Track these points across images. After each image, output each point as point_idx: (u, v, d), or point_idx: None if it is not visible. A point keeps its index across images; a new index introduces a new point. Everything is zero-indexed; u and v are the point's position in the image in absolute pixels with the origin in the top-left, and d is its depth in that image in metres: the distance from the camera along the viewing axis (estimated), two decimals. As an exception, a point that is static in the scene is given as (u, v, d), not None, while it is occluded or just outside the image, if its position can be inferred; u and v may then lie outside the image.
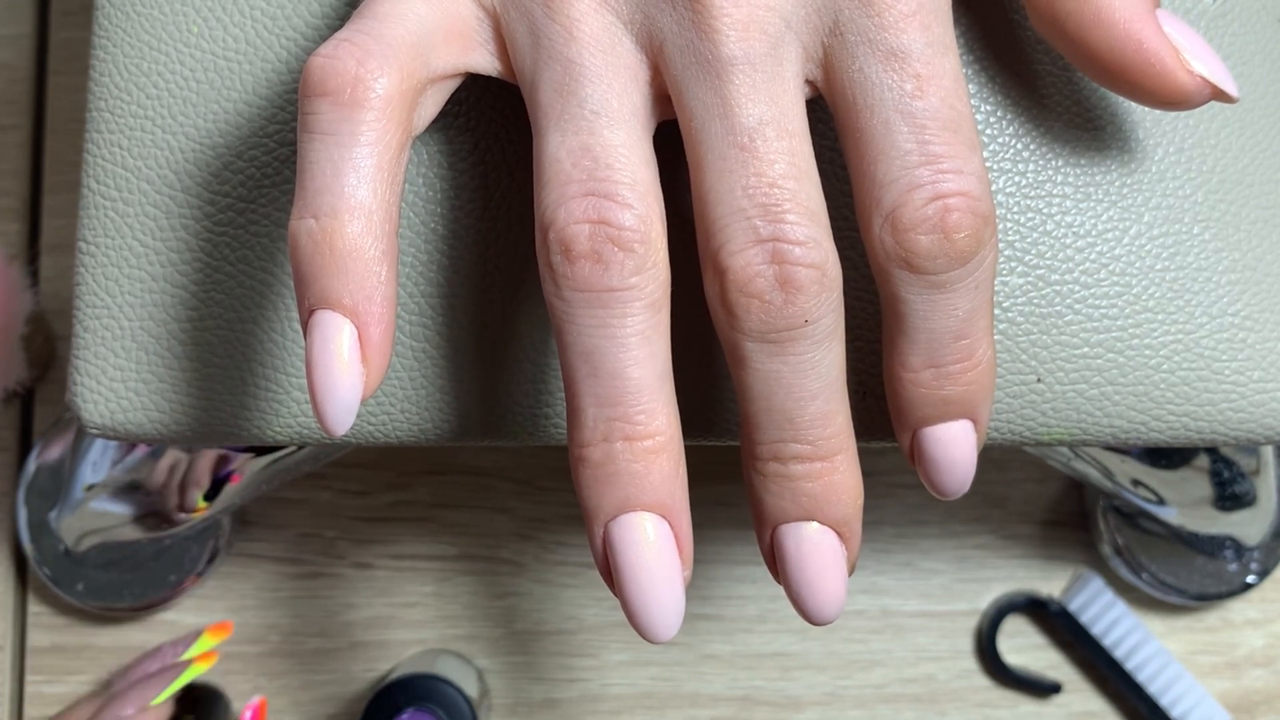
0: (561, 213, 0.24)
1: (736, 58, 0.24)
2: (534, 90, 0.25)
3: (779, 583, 0.26)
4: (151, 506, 0.45)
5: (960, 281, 0.25)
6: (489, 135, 0.29)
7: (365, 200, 0.24)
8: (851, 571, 0.26)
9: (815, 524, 0.25)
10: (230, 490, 0.45)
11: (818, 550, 0.25)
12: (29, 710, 0.49)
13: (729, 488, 0.51)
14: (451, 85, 0.26)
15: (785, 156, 0.24)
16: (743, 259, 0.24)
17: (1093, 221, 0.29)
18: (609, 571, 0.25)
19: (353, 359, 0.24)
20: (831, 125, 0.28)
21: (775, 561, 0.26)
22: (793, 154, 0.24)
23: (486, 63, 0.26)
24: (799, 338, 0.24)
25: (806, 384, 0.24)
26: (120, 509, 0.46)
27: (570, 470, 0.25)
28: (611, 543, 0.24)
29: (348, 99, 0.24)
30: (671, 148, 0.26)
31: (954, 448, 0.26)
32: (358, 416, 0.30)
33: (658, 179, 0.25)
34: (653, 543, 0.24)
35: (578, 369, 0.24)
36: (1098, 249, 0.29)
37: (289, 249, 0.24)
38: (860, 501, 0.25)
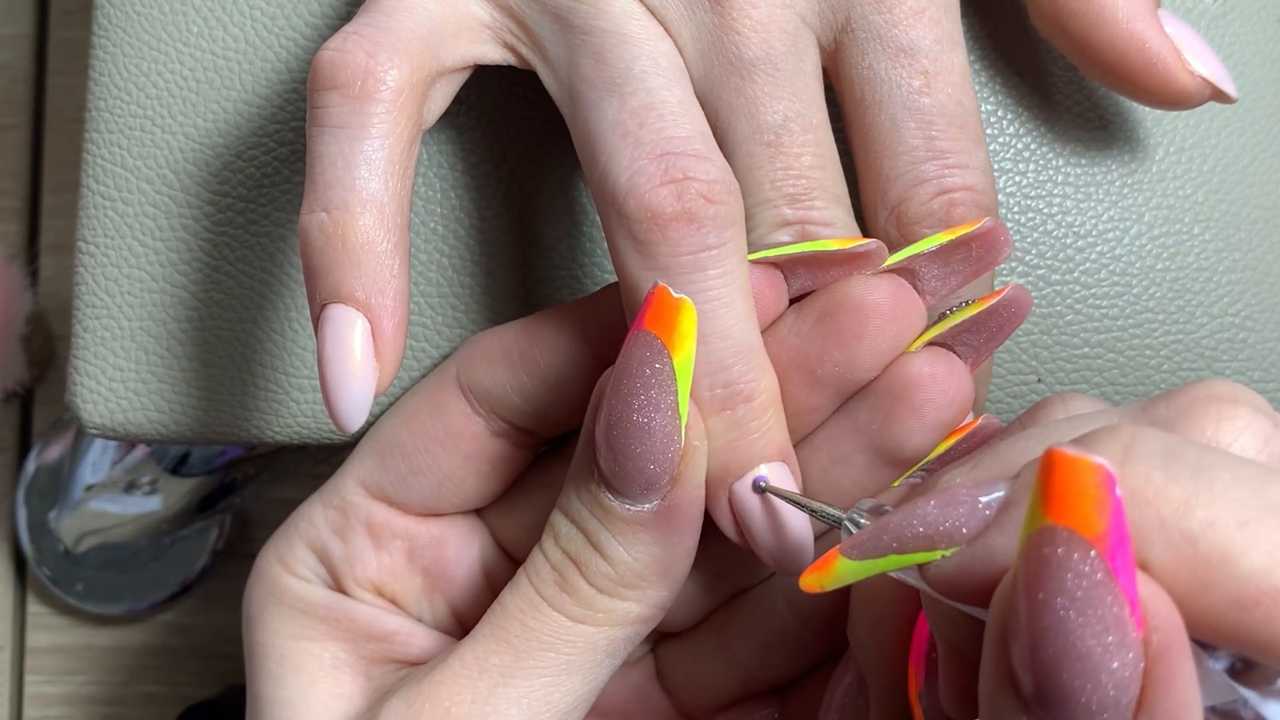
0: (641, 179, 0.23)
1: (759, 58, 0.24)
2: (573, 68, 0.24)
3: None
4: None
5: None
6: (489, 134, 0.29)
7: (377, 193, 0.23)
8: None
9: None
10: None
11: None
12: (29, 710, 0.49)
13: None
14: (461, 78, 0.26)
15: (811, 149, 0.24)
16: (772, 240, 0.24)
17: (1093, 221, 0.29)
18: (739, 529, 0.24)
19: (365, 354, 0.23)
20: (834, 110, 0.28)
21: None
22: (817, 145, 0.25)
23: (496, 53, 0.26)
24: None
25: None
26: (120, 509, 0.46)
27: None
28: (741, 502, 0.24)
29: (358, 92, 0.23)
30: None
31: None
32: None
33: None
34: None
35: None
36: (1098, 249, 0.29)
37: (299, 243, 0.24)
38: None
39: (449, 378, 0.27)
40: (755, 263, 0.24)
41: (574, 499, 0.24)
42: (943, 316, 0.24)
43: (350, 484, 0.28)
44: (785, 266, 0.24)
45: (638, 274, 0.23)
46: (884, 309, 0.24)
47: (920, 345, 0.24)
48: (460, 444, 0.27)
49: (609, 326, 0.25)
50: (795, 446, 0.25)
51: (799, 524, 0.24)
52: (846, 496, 0.25)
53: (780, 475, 0.24)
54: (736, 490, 0.24)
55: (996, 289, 0.24)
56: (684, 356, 0.22)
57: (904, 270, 0.24)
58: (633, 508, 0.23)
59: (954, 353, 0.24)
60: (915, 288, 0.24)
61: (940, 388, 0.24)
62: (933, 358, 0.24)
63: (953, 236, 0.24)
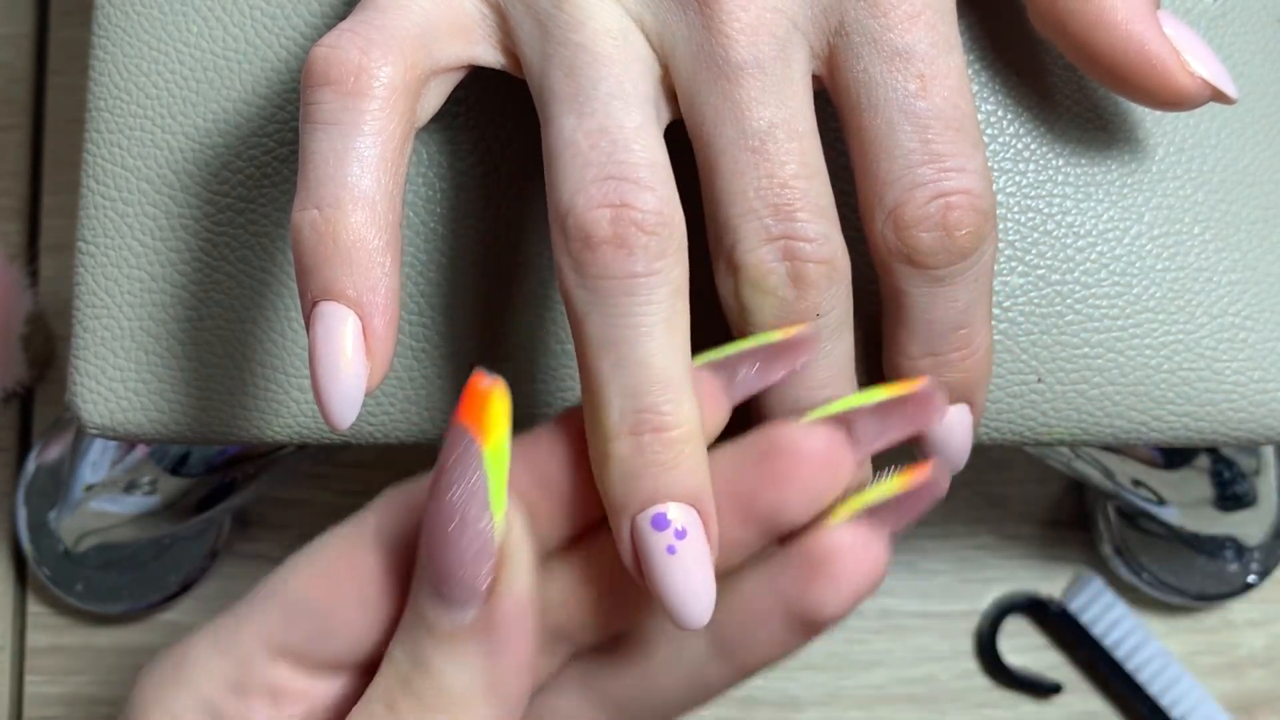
0: (581, 199, 0.23)
1: (746, 62, 0.24)
2: (543, 77, 0.24)
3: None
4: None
5: (961, 275, 0.25)
6: (489, 134, 0.29)
7: (369, 190, 0.23)
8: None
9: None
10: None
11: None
12: (29, 710, 0.49)
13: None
14: (455, 78, 0.26)
15: (795, 157, 0.24)
16: (755, 256, 0.24)
17: (1093, 221, 0.29)
18: (638, 565, 0.24)
19: (356, 351, 0.23)
20: (832, 113, 0.28)
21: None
22: (803, 154, 0.24)
23: (490, 55, 0.26)
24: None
25: (818, 374, 0.25)
26: (120, 509, 0.46)
27: (593, 466, 0.24)
28: (640, 537, 0.24)
29: (351, 88, 0.23)
30: (672, 151, 0.26)
31: (951, 430, 0.27)
32: (358, 415, 0.30)
33: (670, 166, 0.24)
34: (687, 535, 0.24)
35: (600, 361, 0.23)
36: (1098, 249, 0.29)
37: (291, 241, 0.24)
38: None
39: (366, 533, 0.26)
40: (699, 368, 0.24)
41: (406, 618, 0.24)
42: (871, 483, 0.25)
43: (251, 641, 0.26)
44: (730, 365, 0.25)
45: (572, 291, 0.23)
46: (818, 456, 0.24)
47: (845, 513, 0.25)
48: (379, 606, 0.25)
49: (542, 478, 0.25)
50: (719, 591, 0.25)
51: (701, 573, 0.23)
52: (763, 653, 0.26)
53: (686, 518, 0.23)
54: (639, 524, 0.23)
55: (920, 463, 0.25)
56: (495, 444, 0.22)
57: (842, 420, 0.25)
58: (452, 619, 0.23)
59: (878, 518, 0.25)
60: (851, 437, 0.25)
61: (858, 559, 0.24)
62: (854, 530, 0.25)
63: (889, 395, 0.25)
